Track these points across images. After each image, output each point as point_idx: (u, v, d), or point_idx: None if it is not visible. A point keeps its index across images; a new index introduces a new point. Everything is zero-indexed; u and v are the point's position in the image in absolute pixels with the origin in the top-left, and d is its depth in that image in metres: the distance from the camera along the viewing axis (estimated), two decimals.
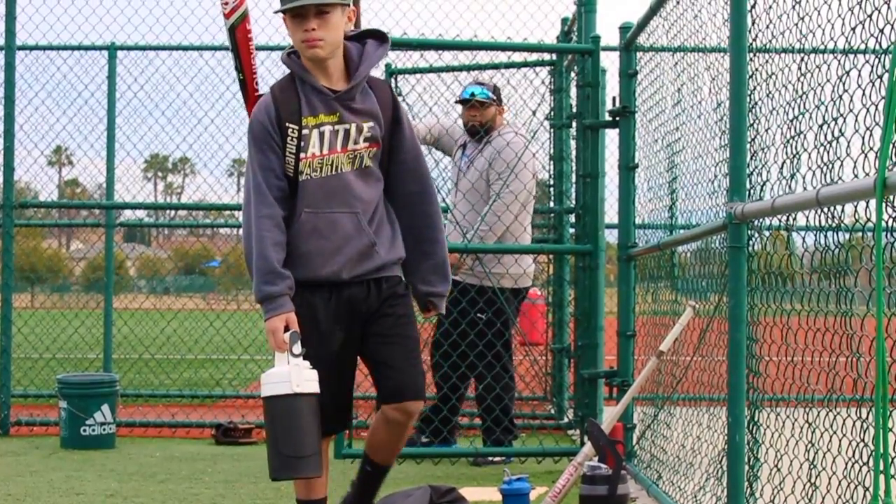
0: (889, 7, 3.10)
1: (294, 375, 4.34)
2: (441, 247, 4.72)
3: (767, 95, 4.37)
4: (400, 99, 4.72)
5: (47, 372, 11.12)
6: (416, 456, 7.13)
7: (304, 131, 4.50)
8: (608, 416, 5.61)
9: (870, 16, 3.23)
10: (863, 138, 3.25)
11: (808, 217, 3.82)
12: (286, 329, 4.40)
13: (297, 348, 4.38)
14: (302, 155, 4.49)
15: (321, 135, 4.51)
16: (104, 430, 7.97)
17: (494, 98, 7.63)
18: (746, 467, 4.48)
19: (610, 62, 8.87)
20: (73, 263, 37.29)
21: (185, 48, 10.53)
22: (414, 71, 8.66)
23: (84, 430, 7.91)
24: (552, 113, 9.40)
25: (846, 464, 3.52)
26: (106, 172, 10.58)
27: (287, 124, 4.50)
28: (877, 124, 3.15)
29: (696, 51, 5.53)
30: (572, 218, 8.63)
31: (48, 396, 10.00)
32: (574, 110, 8.34)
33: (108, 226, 10.57)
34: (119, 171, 10.86)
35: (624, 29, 7.00)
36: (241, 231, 5.62)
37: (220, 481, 6.68)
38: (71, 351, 12.37)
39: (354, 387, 4.79)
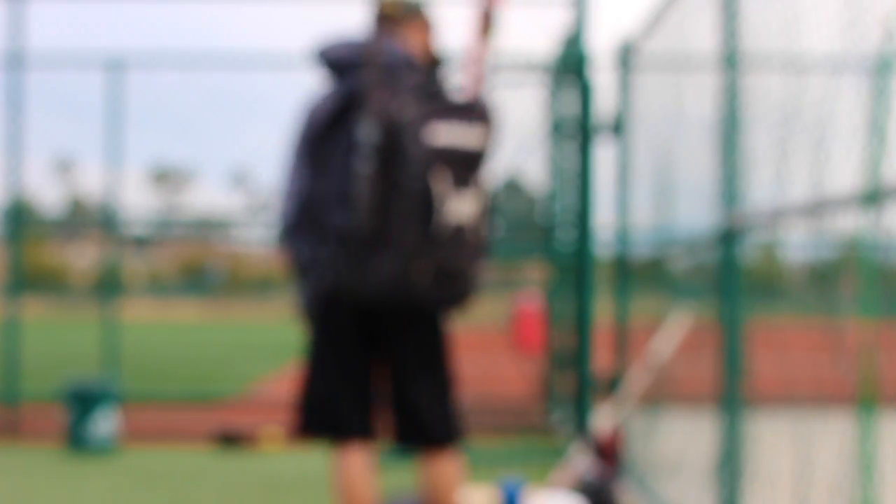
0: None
1: None
2: None
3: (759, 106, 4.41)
4: None
5: (52, 377, 11.18)
6: None
7: None
8: (601, 420, 5.65)
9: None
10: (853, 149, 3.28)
11: (798, 226, 3.84)
12: None
13: None
14: None
15: None
16: (107, 434, 8.02)
17: None
18: (738, 473, 4.51)
19: (607, 71, 8.93)
20: (77, 270, 37.32)
21: (194, 57, 10.54)
22: None
23: (87, 435, 7.96)
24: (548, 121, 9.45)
25: (835, 470, 3.55)
26: (111, 181, 10.61)
27: None
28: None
29: (691, 62, 5.57)
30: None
31: (52, 401, 10.05)
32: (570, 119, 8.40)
33: (114, 232, 10.62)
34: (124, 179, 10.90)
35: (621, 39, 7.04)
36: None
37: (222, 486, 6.73)
38: (75, 356, 12.41)
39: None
